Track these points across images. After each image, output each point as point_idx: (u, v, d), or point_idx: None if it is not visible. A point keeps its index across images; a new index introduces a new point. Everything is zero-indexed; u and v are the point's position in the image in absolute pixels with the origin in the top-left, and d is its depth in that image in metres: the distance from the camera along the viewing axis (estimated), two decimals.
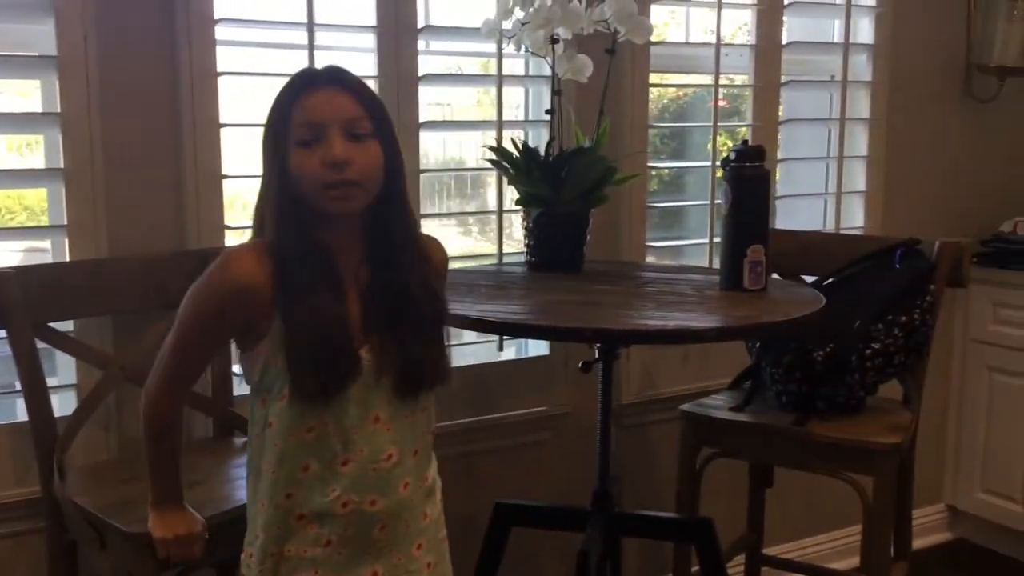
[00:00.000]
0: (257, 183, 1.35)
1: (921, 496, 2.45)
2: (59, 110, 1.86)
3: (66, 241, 1.90)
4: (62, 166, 1.87)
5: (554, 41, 2.09)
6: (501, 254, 2.35)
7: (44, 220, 2.17)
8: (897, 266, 2.14)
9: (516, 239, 2.37)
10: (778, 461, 2.27)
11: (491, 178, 2.45)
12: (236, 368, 1.99)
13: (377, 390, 1.32)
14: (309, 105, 1.27)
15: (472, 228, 2.92)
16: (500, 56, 2.25)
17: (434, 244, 1.45)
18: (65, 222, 1.89)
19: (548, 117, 2.19)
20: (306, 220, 1.28)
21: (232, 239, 2.01)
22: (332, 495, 1.31)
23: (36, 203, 2.70)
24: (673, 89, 2.84)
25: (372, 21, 2.13)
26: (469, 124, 2.46)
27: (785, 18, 2.67)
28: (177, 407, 1.43)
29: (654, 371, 2.59)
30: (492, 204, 2.59)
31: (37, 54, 1.89)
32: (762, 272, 1.91)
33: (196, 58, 1.94)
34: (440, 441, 2.28)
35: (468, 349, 2.44)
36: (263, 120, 1.33)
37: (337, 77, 1.31)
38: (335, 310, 1.28)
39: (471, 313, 1.72)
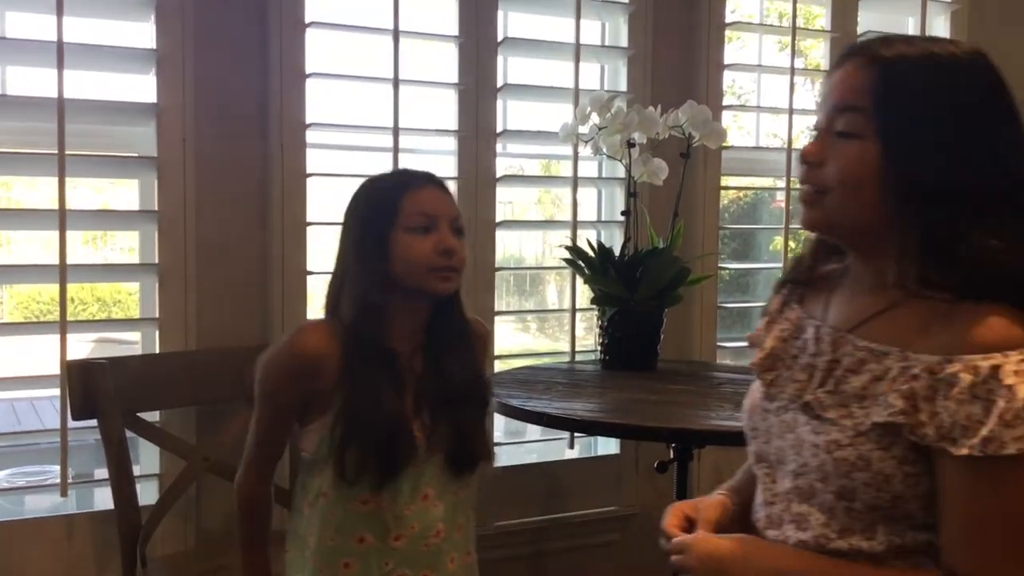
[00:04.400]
0: None
1: None
2: (156, 208, 1.95)
3: (157, 333, 1.96)
4: (157, 261, 1.95)
5: (630, 145, 2.14)
6: (573, 352, 2.37)
7: (116, 312, 2.25)
8: None
9: (578, 336, 2.40)
10: None
11: (550, 276, 2.49)
12: None
13: (428, 467, 1.38)
14: (423, 198, 1.38)
15: (531, 324, 2.96)
16: (576, 158, 2.31)
17: (478, 324, 1.52)
18: (158, 315, 1.95)
19: (621, 218, 2.24)
20: (384, 308, 1.37)
21: None
22: (387, 568, 1.37)
23: (108, 295, 2.80)
24: (734, 191, 2.88)
25: (454, 125, 2.21)
26: (544, 224, 2.51)
27: None
28: (264, 486, 1.48)
29: (725, 473, 2.55)
30: (551, 301, 2.64)
31: (137, 155, 1.99)
32: None
33: (288, 160, 2.03)
34: (510, 539, 2.29)
35: (537, 446, 2.45)
36: (351, 209, 1.42)
37: (439, 181, 1.43)
38: (396, 402, 1.35)
39: (551, 410, 1.74)
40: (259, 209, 2.04)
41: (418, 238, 1.36)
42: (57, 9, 1.80)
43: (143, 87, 1.96)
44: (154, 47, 1.92)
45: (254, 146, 2.03)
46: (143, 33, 1.96)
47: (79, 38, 1.86)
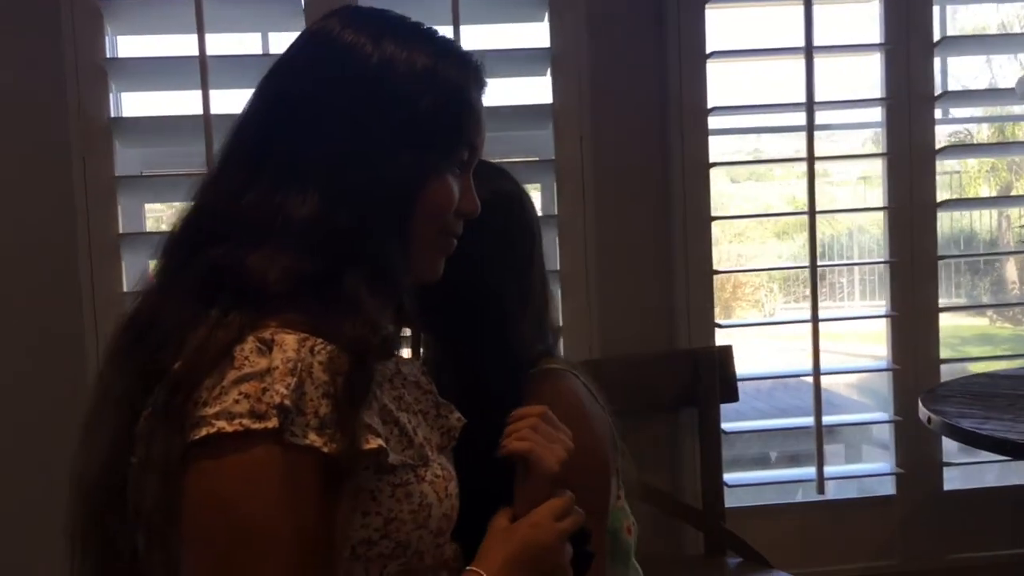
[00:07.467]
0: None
1: None
2: (556, 212, 1.89)
3: (560, 342, 1.90)
4: (558, 268, 1.89)
5: None
6: None
7: None
8: None
9: None
10: None
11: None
12: (728, 478, 1.85)
13: None
14: None
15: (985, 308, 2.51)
16: None
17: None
18: (560, 323, 1.89)
19: None
20: None
21: (722, 339, 1.88)
22: None
23: None
24: None
25: (880, 93, 1.90)
26: (999, 200, 2.10)
27: None
28: None
29: None
30: (1011, 280, 2.22)
31: (537, 159, 1.94)
32: None
33: (689, 150, 1.87)
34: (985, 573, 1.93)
35: (996, 467, 2.05)
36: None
37: None
38: None
39: (1012, 436, 1.41)
40: (658, 204, 1.90)
41: None
42: (453, 19, 1.80)
43: (539, 88, 1.91)
44: (548, 46, 1.86)
45: (653, 139, 1.90)
46: (538, 33, 1.91)
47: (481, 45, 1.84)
